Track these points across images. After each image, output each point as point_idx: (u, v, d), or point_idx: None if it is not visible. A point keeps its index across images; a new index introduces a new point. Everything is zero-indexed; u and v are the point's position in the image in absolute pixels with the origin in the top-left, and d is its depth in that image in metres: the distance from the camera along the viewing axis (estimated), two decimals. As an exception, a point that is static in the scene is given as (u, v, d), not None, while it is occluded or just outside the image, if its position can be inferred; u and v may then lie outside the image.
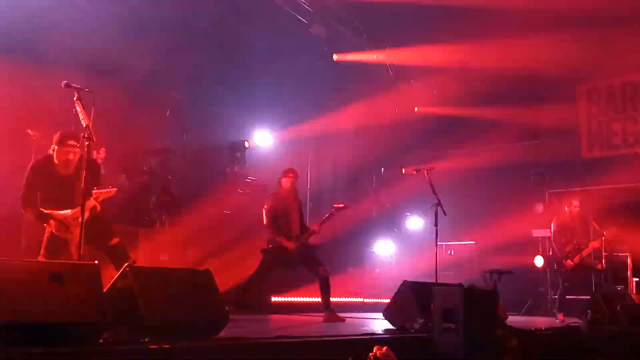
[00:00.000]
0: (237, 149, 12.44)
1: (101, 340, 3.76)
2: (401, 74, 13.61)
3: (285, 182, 8.16)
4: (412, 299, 6.46)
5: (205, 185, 11.32)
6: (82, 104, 4.93)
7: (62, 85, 5.05)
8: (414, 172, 8.67)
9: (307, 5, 11.53)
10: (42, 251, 5.67)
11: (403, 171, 9.01)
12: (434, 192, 8.18)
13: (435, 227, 8.14)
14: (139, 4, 9.26)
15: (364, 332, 5.79)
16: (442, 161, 12.67)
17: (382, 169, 15.13)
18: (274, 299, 9.84)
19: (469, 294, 5.62)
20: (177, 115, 11.13)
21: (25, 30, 8.16)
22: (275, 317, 8.77)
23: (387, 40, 12.84)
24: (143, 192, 10.27)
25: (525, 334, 6.38)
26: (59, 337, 3.52)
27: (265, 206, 7.99)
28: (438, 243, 8.18)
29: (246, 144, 12.46)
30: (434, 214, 8.18)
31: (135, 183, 9.89)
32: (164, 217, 10.06)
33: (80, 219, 4.94)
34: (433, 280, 7.82)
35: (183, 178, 11.04)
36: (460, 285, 6.18)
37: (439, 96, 14.19)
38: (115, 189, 6.00)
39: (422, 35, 11.87)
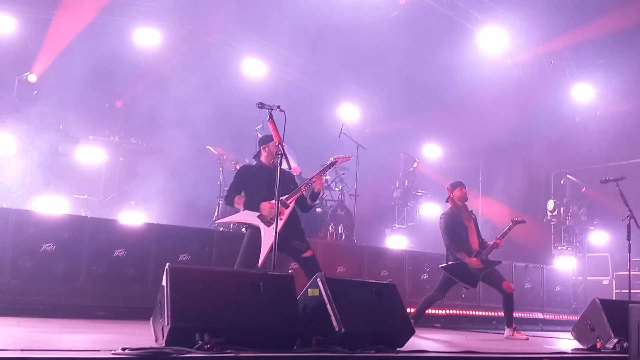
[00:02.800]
0: (410, 163, 12.59)
1: (295, 347, 3.95)
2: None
3: (459, 195, 7.94)
4: (603, 318, 6.06)
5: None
6: (275, 123, 5.26)
7: (257, 105, 5.41)
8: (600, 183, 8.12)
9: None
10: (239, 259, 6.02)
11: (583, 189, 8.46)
12: (626, 204, 7.59)
13: (628, 242, 7.54)
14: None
15: (554, 350, 5.52)
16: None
17: (562, 180, 14.34)
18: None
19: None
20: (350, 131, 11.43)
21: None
22: (447, 332, 8.61)
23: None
24: (320, 205, 10.63)
25: None
26: (257, 343, 3.76)
27: (442, 222, 7.87)
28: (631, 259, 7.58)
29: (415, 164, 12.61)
30: (626, 227, 7.58)
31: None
32: (340, 230, 10.32)
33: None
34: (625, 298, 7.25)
35: (356, 192, 11.26)
36: (660, 304, 5.67)
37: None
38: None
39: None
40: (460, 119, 14.07)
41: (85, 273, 7.45)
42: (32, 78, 10.07)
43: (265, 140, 6.34)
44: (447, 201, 8.06)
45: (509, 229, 7.88)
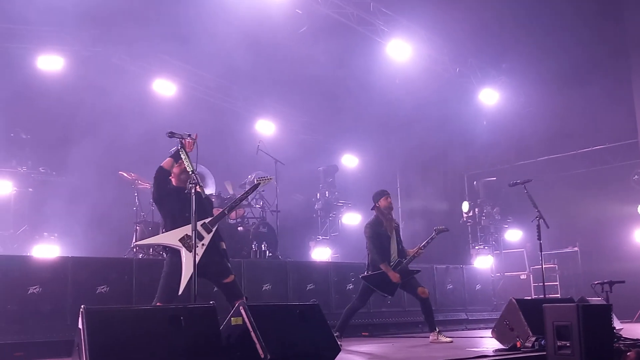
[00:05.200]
0: (329, 174, 12.67)
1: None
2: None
3: (385, 204, 8.05)
4: (521, 317, 6.30)
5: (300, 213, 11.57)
6: (186, 152, 5.19)
7: (167, 134, 5.32)
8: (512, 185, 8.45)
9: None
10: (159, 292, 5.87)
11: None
12: (534, 205, 7.93)
13: (539, 242, 7.87)
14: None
15: (476, 354, 5.70)
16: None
17: (474, 182, 14.89)
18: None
19: (583, 310, 5.42)
20: (267, 147, 11.43)
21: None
22: (374, 341, 8.72)
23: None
24: (241, 224, 10.57)
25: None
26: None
27: (368, 231, 7.97)
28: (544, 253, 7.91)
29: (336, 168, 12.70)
30: (535, 227, 7.91)
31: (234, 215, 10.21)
32: (263, 247, 10.28)
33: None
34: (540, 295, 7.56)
35: (277, 208, 11.26)
36: (572, 300, 5.97)
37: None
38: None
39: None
40: (375, 128, 14.37)
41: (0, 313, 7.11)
42: None
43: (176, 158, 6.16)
44: (372, 209, 8.16)
45: (432, 238, 8.09)
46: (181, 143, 5.37)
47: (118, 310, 4.27)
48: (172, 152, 5.97)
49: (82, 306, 3.76)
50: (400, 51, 12.23)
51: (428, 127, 13.37)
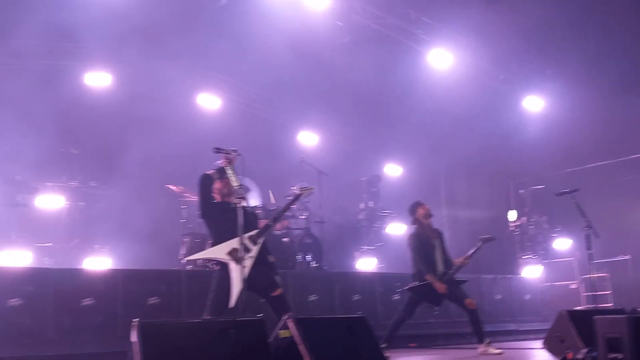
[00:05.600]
0: (373, 184, 12.66)
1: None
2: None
3: (423, 213, 8.02)
4: (571, 329, 6.18)
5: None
6: (233, 167, 5.28)
7: (213, 150, 5.42)
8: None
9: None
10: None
11: None
12: (583, 215, 7.75)
13: (588, 252, 7.70)
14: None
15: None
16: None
17: (521, 190, 14.65)
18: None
19: (634, 322, 5.28)
20: (310, 158, 11.52)
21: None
22: (422, 352, 8.65)
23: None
24: (286, 235, 10.65)
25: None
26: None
27: (411, 244, 7.94)
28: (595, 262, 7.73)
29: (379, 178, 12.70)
30: (585, 238, 7.73)
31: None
32: (308, 258, 10.33)
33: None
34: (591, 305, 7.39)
35: (321, 219, 11.30)
36: (623, 311, 5.83)
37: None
38: None
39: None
40: (418, 137, 14.28)
41: (53, 325, 7.32)
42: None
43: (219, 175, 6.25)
44: (412, 223, 8.13)
45: (478, 248, 7.98)
46: (227, 159, 5.45)
47: (169, 323, 4.36)
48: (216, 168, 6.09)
49: (136, 320, 3.85)
50: (442, 59, 12.19)
51: (472, 135, 13.27)
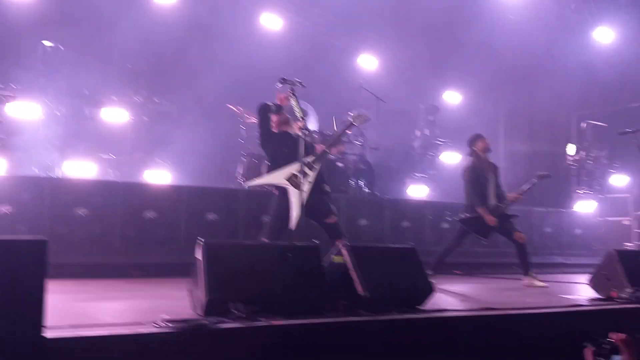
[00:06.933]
0: (430, 112, 12.61)
1: (323, 313, 4.21)
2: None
3: (482, 147, 8.04)
4: (619, 268, 6.25)
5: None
6: (296, 98, 5.43)
7: (279, 80, 5.57)
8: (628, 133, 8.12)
9: None
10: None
11: None
12: (643, 154, 7.66)
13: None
14: None
15: (569, 302, 5.77)
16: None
17: (582, 123, 14.29)
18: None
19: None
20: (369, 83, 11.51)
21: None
22: (467, 280, 8.83)
23: None
24: (341, 160, 10.84)
25: None
26: (287, 311, 4.01)
27: (466, 176, 8.00)
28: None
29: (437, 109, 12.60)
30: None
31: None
32: (361, 184, 10.52)
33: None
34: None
35: (376, 146, 11.40)
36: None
37: None
38: None
39: None
40: (481, 65, 13.98)
41: (119, 235, 7.82)
42: (47, 43, 10.18)
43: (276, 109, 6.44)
44: (469, 155, 8.18)
45: (533, 184, 8.00)
46: (292, 90, 5.59)
47: (232, 244, 4.68)
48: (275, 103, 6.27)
49: (202, 239, 4.13)
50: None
51: (537, 65, 12.94)
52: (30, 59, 10.09)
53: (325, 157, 6.52)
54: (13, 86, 9.45)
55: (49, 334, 2.96)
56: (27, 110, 9.71)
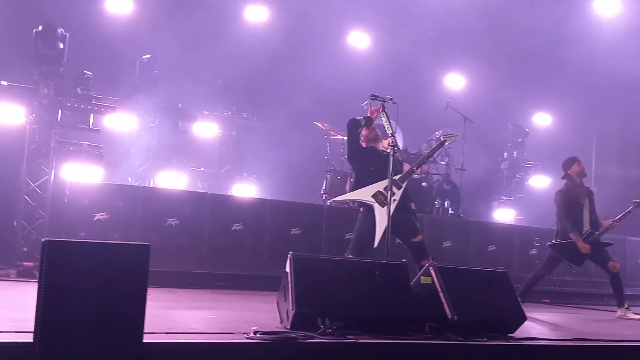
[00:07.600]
0: (519, 133, 12.31)
1: (409, 333, 4.15)
2: None
3: (577, 171, 7.75)
4: None
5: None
6: (387, 114, 5.42)
7: (368, 96, 5.59)
8: None
9: None
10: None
11: None
12: None
13: None
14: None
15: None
16: None
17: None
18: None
19: None
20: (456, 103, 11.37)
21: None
22: (556, 310, 8.50)
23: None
24: (425, 180, 10.72)
25: None
26: (373, 329, 3.98)
27: (558, 199, 7.75)
28: None
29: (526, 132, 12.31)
30: None
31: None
32: (445, 204, 10.36)
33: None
34: None
35: (462, 166, 11.20)
36: None
37: None
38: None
39: None
40: (573, 86, 13.54)
41: (207, 245, 8.01)
42: (145, 57, 10.61)
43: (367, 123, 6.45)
44: (562, 178, 7.91)
45: (629, 211, 7.63)
46: (382, 106, 5.59)
47: (320, 258, 4.67)
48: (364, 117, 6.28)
49: (291, 253, 4.17)
50: (609, 6, 11.38)
51: (633, 85, 12.37)
52: (129, 73, 10.57)
53: (411, 175, 6.47)
54: (112, 98, 9.95)
55: (146, 338, 3.05)
56: (124, 122, 10.18)
